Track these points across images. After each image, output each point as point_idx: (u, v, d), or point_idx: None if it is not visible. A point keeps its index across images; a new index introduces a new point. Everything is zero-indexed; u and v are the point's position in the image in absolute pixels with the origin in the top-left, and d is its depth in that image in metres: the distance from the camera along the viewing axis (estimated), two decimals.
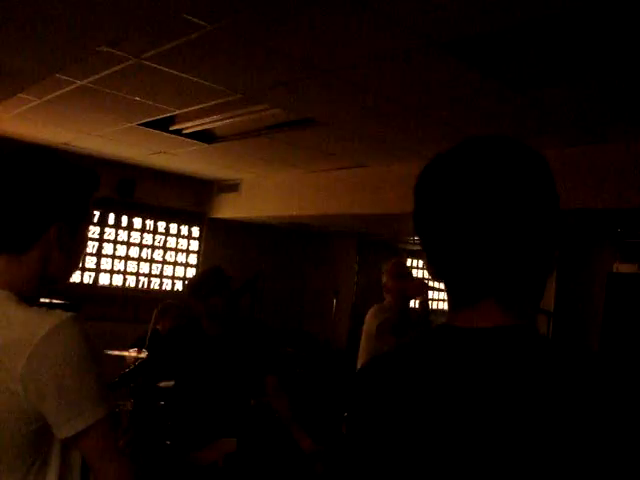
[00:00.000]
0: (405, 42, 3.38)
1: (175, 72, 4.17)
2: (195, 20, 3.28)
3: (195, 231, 8.73)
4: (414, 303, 4.74)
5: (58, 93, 4.93)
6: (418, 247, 7.38)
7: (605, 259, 7.53)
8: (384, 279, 4.72)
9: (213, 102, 4.82)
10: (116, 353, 5.52)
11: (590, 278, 7.36)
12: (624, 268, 7.45)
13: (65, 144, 6.91)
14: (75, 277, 7.55)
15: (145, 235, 8.25)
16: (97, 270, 7.82)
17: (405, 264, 5.28)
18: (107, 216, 7.90)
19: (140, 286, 8.19)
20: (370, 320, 4.50)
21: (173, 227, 8.52)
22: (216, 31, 3.45)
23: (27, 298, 1.49)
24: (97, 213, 7.75)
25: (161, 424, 3.58)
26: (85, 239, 1.64)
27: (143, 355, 4.98)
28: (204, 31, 3.45)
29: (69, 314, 1.43)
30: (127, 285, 8.08)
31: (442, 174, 1.08)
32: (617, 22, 2.96)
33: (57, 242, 1.52)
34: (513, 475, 0.91)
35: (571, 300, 7.23)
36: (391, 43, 3.42)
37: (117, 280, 8.00)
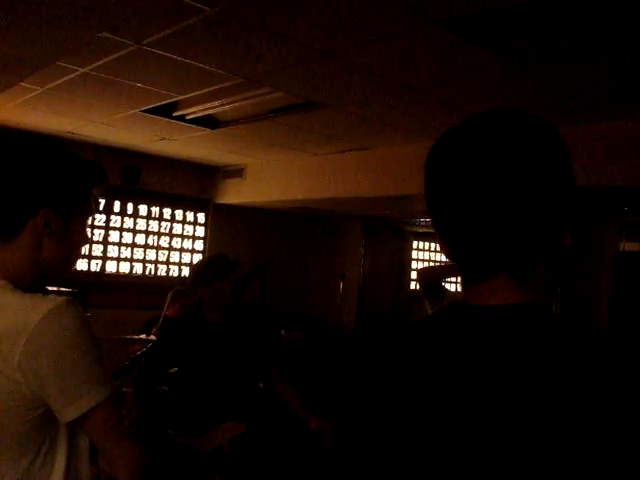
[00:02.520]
0: (407, 21, 3.35)
1: (176, 57, 4.16)
2: (194, 4, 3.26)
3: (201, 217, 8.73)
4: None
5: (60, 81, 4.92)
6: (424, 229, 7.39)
7: (611, 238, 7.51)
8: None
9: (215, 87, 4.80)
10: (127, 337, 5.55)
11: (596, 257, 7.34)
12: (631, 247, 7.43)
13: (70, 132, 6.92)
14: (82, 265, 7.58)
15: (151, 222, 8.26)
16: (104, 258, 7.84)
17: None
18: (112, 204, 7.90)
19: (147, 273, 8.21)
20: None
21: (179, 213, 8.52)
22: (216, 15, 3.43)
23: (25, 287, 1.50)
24: (102, 201, 7.76)
25: (163, 410, 3.60)
26: (82, 229, 1.63)
27: (152, 338, 5.00)
28: (204, 15, 3.43)
29: (63, 298, 1.44)
30: (134, 272, 8.10)
31: (451, 151, 1.07)
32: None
33: (45, 228, 1.53)
34: (523, 455, 0.91)
35: (578, 280, 7.21)
36: (393, 23, 3.39)
37: (124, 267, 8.02)
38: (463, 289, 1.11)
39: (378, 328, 8.59)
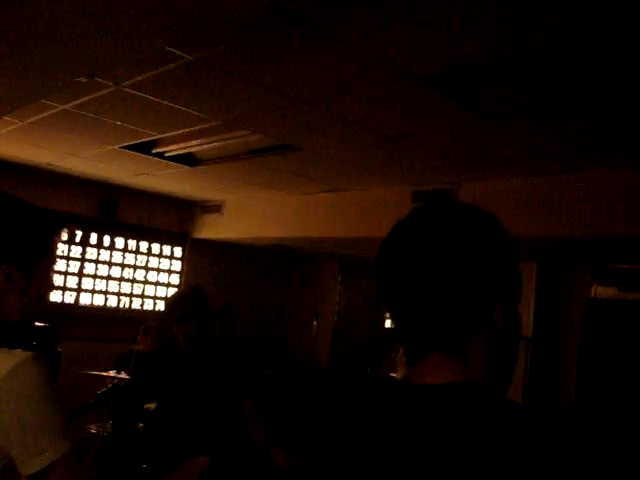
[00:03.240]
0: (381, 75, 3.45)
1: (155, 99, 4.22)
2: (175, 51, 3.33)
3: (177, 251, 8.75)
4: None
5: (40, 116, 4.97)
6: None
7: (583, 284, 7.60)
8: None
9: (193, 128, 4.87)
10: (95, 373, 5.52)
11: (568, 303, 7.42)
12: (602, 292, 7.52)
13: (49, 164, 6.95)
14: (56, 297, 7.55)
15: (127, 255, 8.26)
16: (78, 290, 7.81)
17: None
18: (89, 236, 7.90)
19: (122, 306, 8.19)
20: None
21: (155, 247, 8.53)
22: (196, 62, 3.50)
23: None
24: (79, 233, 7.76)
25: (138, 447, 3.60)
26: (46, 277, 1.67)
27: (122, 375, 4.99)
28: (183, 61, 3.50)
29: (29, 353, 1.47)
30: (108, 305, 8.07)
31: (396, 243, 1.17)
32: (584, 59, 3.03)
33: (6, 283, 1.56)
34: None
35: (549, 326, 7.28)
36: (368, 76, 3.49)
37: (98, 300, 7.99)
38: (407, 367, 1.17)
39: (339, 387, 8.59)
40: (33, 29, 2.90)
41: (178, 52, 3.33)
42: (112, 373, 5.56)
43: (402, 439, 1.05)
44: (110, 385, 4.04)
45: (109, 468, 4.05)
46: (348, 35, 3.03)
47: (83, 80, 3.64)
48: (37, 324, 4.95)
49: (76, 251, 7.76)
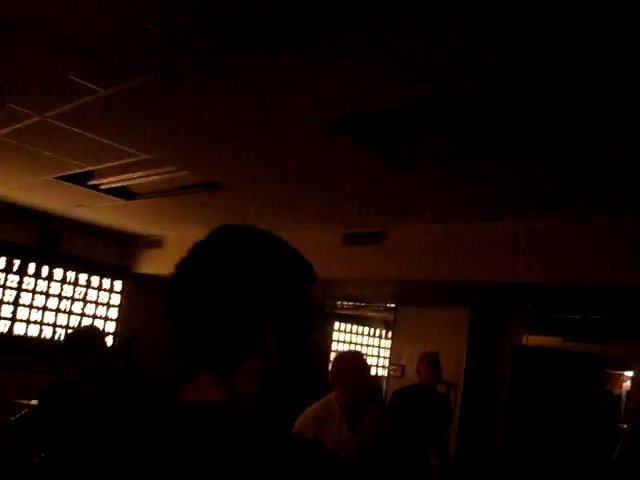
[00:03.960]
0: (288, 118, 3.57)
1: (79, 131, 4.29)
2: (87, 84, 3.42)
3: (117, 285, 8.72)
4: None
5: None
6: (346, 311, 7.46)
7: (515, 331, 7.75)
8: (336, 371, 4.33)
9: (122, 161, 4.93)
10: (24, 402, 5.49)
11: (500, 349, 7.54)
12: (534, 340, 7.69)
13: None
14: None
15: (65, 286, 8.22)
16: (13, 319, 7.75)
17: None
18: (27, 265, 7.87)
19: (57, 337, 8.11)
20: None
21: (95, 280, 8.50)
22: (112, 95, 3.59)
23: None
24: (17, 262, 7.74)
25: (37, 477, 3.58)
26: None
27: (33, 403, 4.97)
28: (99, 95, 3.59)
29: None
30: (43, 336, 8.00)
31: (182, 265, 1.21)
32: (489, 102, 3.15)
33: None
34: None
35: (481, 371, 7.39)
36: (276, 118, 3.61)
37: (33, 330, 7.92)
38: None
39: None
40: None
41: (90, 85, 3.42)
42: (34, 402, 5.54)
43: (141, 451, 1.11)
44: (18, 415, 4.04)
45: None
46: (250, 77, 3.15)
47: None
48: None
49: (12, 280, 7.71)
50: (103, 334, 3.70)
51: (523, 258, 5.18)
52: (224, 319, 1.14)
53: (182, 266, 1.22)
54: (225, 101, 3.52)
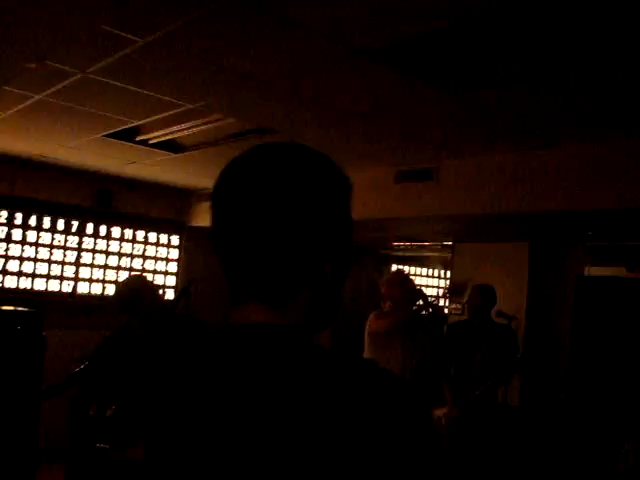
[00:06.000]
0: (330, 52, 3.47)
1: (122, 85, 4.28)
2: (124, 34, 3.39)
3: (174, 239, 8.82)
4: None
5: (19, 107, 5.05)
6: (401, 252, 7.48)
7: (576, 262, 7.58)
8: (383, 288, 5.47)
9: (167, 113, 4.91)
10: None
11: (562, 281, 7.40)
12: (595, 271, 7.49)
13: (41, 155, 7.04)
14: (55, 285, 7.68)
15: (124, 244, 8.35)
16: (75, 279, 7.93)
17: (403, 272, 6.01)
18: (85, 226, 8.00)
19: None
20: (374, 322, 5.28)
21: (152, 236, 8.61)
22: (150, 44, 3.55)
23: None
24: (75, 223, 7.87)
25: (100, 426, 3.68)
26: None
27: None
28: (137, 45, 3.55)
29: None
30: (106, 294, 8.17)
31: (229, 180, 1.17)
32: (546, 22, 2.99)
33: None
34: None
35: (543, 304, 7.28)
36: (317, 54, 3.51)
37: (96, 289, 8.10)
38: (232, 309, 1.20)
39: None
40: None
41: (127, 35, 3.38)
42: None
43: (216, 377, 1.08)
44: (82, 366, 4.15)
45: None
46: (291, 13, 3.05)
47: (32, 65, 3.71)
48: (20, 309, 5.05)
49: (72, 241, 7.86)
50: (149, 281, 3.79)
51: (582, 184, 5.02)
52: (282, 251, 1.08)
53: (228, 185, 1.15)
54: (266, 41, 3.44)
